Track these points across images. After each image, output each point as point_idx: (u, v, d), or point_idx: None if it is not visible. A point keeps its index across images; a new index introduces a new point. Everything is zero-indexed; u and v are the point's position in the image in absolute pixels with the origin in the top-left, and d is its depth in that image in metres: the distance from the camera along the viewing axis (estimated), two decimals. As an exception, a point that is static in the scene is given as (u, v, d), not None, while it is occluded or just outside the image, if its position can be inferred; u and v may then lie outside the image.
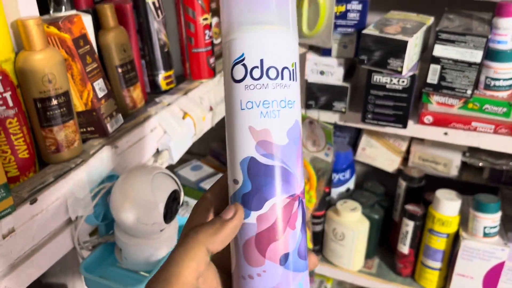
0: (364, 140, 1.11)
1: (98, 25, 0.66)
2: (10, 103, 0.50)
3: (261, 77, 0.29)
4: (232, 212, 0.29)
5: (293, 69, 0.30)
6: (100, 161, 0.59)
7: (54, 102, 0.54)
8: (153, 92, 0.80)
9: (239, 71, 0.29)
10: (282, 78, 0.29)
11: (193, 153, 1.18)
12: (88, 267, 0.58)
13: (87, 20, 0.62)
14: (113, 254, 0.61)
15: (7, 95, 0.50)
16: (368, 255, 1.12)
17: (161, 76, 0.79)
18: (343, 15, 0.88)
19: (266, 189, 0.29)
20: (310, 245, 1.03)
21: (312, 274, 1.14)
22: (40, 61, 0.51)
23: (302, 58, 0.93)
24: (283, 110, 0.29)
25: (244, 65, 0.29)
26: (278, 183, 0.29)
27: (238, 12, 0.29)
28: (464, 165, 1.05)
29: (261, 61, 0.29)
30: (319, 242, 1.11)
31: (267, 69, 0.29)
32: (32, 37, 0.51)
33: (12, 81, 0.51)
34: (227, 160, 0.31)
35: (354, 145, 1.15)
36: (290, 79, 0.29)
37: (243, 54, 0.29)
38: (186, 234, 0.29)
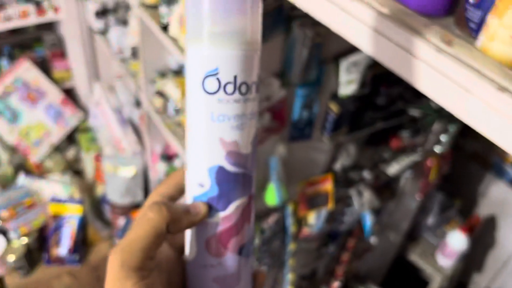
0: None
1: None
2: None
3: (233, 92, 0.30)
4: (199, 209, 0.32)
5: (258, 82, 0.32)
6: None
7: None
8: None
9: (211, 84, 0.30)
10: (251, 93, 0.31)
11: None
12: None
13: None
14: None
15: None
16: None
17: None
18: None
19: (232, 193, 0.32)
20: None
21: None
22: None
23: None
24: (249, 122, 0.31)
25: (218, 79, 0.30)
26: (242, 187, 0.32)
27: (211, 21, 0.29)
28: None
29: (235, 77, 0.30)
30: None
31: (240, 85, 0.30)
32: None
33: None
34: (188, 163, 0.33)
35: None
36: (256, 92, 0.31)
37: (217, 68, 0.30)
38: (151, 205, 0.31)
